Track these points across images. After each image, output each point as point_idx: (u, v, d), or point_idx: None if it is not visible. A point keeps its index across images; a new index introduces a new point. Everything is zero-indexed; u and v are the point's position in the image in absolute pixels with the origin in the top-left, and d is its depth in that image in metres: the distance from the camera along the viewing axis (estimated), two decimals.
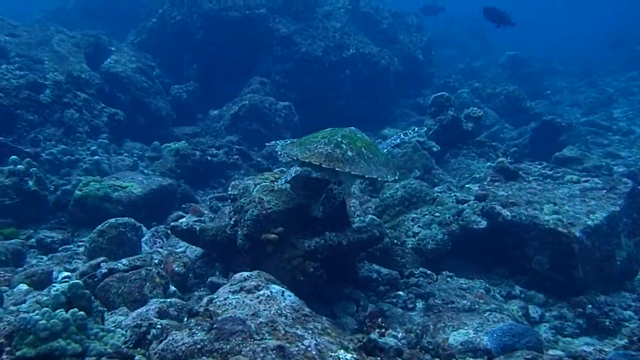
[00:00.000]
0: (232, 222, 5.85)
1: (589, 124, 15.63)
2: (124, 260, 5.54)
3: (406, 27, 19.92)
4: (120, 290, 5.05)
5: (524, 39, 36.28)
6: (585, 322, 5.71)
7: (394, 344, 3.72)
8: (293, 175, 5.52)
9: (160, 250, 6.86)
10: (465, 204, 6.93)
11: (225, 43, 15.54)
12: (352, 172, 5.12)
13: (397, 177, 5.60)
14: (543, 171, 7.51)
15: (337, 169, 5.07)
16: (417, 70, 19.16)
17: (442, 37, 28.61)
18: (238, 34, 15.50)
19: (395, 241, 6.72)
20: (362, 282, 6.01)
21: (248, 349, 3.20)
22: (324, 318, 3.86)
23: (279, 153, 5.82)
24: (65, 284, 3.71)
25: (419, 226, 6.82)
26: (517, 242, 6.41)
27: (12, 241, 6.82)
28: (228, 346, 3.24)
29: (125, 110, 12.14)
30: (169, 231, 7.57)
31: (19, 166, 7.48)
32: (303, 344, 3.34)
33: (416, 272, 6.26)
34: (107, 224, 6.43)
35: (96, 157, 9.10)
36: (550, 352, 4.91)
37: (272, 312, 3.60)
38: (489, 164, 9.47)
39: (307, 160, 5.22)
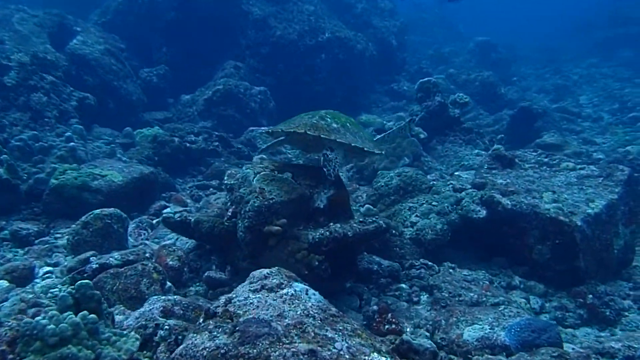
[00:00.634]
0: (229, 213, 5.51)
1: (560, 110, 15.70)
2: (116, 255, 5.17)
3: (379, 11, 19.60)
4: (115, 287, 4.68)
5: (490, 25, 36.56)
6: (586, 312, 5.57)
7: (430, 346, 3.49)
8: (269, 144, 5.57)
9: (147, 242, 6.47)
10: (464, 192, 6.67)
11: (197, 25, 15.00)
12: (337, 139, 5.20)
13: (383, 152, 5.82)
14: (539, 158, 7.38)
15: (322, 136, 5.15)
16: (390, 56, 18.91)
17: (409, 23, 28.45)
18: (211, 16, 15.00)
19: (393, 231, 6.46)
20: (363, 275, 5.75)
21: (277, 353, 2.92)
22: (351, 318, 3.59)
23: (260, 132, 5.79)
24: (77, 283, 3.32)
25: (416, 216, 6.56)
26: (517, 232, 6.23)
27: None
28: (255, 350, 2.95)
29: (94, 94, 11.50)
30: (153, 222, 7.20)
31: None
32: (335, 347, 3.08)
33: (417, 264, 6.03)
34: (91, 215, 6.01)
35: (72, 143, 8.57)
36: (569, 346, 4.73)
37: (298, 312, 3.32)
38: (477, 150, 9.33)
39: (291, 131, 5.28)
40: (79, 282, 3.32)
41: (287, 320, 3.22)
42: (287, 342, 3.04)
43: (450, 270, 5.99)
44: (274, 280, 3.59)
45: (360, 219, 5.36)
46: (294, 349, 2.97)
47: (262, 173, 5.33)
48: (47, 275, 5.55)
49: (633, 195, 6.69)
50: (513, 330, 4.37)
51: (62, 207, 7.17)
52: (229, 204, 5.66)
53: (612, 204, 6.23)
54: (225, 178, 5.70)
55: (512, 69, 23.89)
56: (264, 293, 3.47)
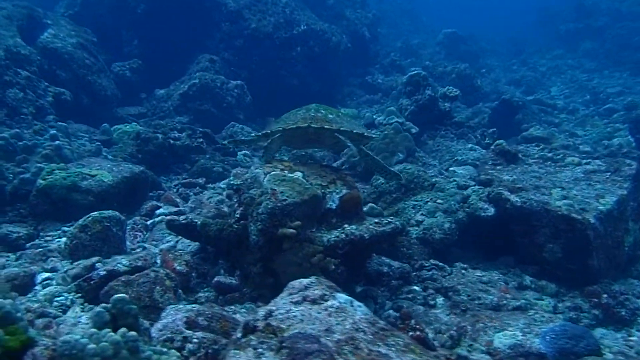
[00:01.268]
0: (237, 215, 5.37)
1: (536, 102, 15.91)
2: (124, 261, 4.99)
3: (351, 2, 19.45)
4: (128, 296, 4.50)
5: (454, 17, 36.85)
6: (601, 312, 5.38)
7: None
8: (268, 144, 5.67)
9: (146, 245, 6.28)
10: (469, 190, 6.61)
11: (170, 17, 14.63)
12: (341, 128, 5.48)
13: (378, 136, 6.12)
14: (542, 153, 7.32)
15: (325, 126, 5.39)
16: (363, 48, 18.82)
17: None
18: (183, 8, 14.65)
19: None
20: (372, 277, 5.60)
21: None
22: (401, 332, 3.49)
23: (256, 135, 6.04)
24: (113, 298, 3.18)
25: (422, 214, 6.46)
26: (526, 230, 6.10)
27: None
28: None
29: (68, 90, 11.17)
30: (148, 223, 7.01)
31: None
32: None
33: (427, 265, 5.89)
34: (89, 218, 5.79)
35: (57, 142, 8.24)
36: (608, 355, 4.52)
37: (347, 326, 3.17)
38: (470, 145, 9.31)
39: (294, 127, 5.47)
40: (115, 296, 3.18)
41: (336, 335, 3.08)
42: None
43: (463, 271, 5.86)
44: (316, 292, 3.45)
45: (375, 220, 5.27)
46: None
47: (272, 173, 5.21)
48: (46, 282, 5.33)
49: None
50: (548, 337, 4.27)
51: (50, 208, 6.91)
52: (235, 205, 5.51)
53: (622, 199, 6.13)
54: (232, 178, 5.55)
55: (480, 61, 24.10)
56: (306, 305, 3.34)
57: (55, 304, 4.75)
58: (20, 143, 7.87)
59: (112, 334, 2.93)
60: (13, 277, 5.03)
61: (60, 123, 9.36)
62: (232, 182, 5.56)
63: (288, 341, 2.98)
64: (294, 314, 3.26)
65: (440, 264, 5.95)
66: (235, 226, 5.30)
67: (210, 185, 8.80)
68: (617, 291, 5.53)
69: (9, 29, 11.51)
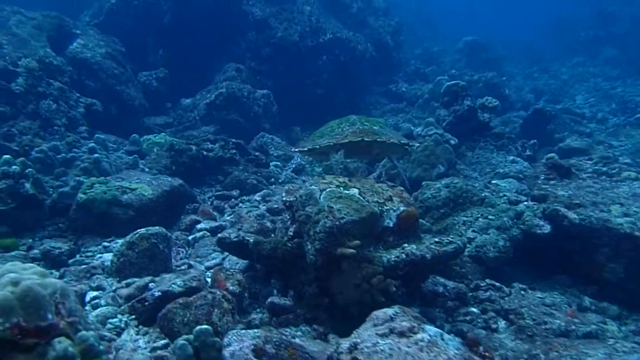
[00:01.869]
0: (290, 233, 5.22)
1: (565, 111, 15.67)
2: (178, 281, 4.85)
3: (374, 10, 19.30)
4: (186, 319, 4.36)
5: (470, 24, 36.66)
6: None
7: None
8: (333, 163, 5.74)
9: (191, 262, 6.14)
10: (522, 205, 6.39)
11: (195, 27, 14.56)
12: (391, 141, 5.53)
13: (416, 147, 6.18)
14: (596, 167, 7.11)
15: (378, 139, 5.44)
16: (387, 56, 18.63)
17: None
18: (209, 17, 14.59)
19: None
20: (427, 298, 5.37)
21: None
22: None
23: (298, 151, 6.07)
24: (196, 329, 3.04)
25: (473, 231, 6.22)
26: (584, 248, 5.84)
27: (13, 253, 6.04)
28: None
29: (97, 100, 11.13)
30: (189, 239, 6.90)
31: (14, 167, 6.57)
32: None
33: (482, 285, 5.63)
34: (136, 235, 5.66)
35: (95, 155, 8.16)
36: None
37: None
38: (511, 157, 9.09)
39: (345, 141, 5.51)
40: (198, 328, 3.05)
41: None
42: None
43: (522, 292, 5.59)
44: (404, 323, 3.28)
45: (435, 239, 5.07)
46: None
47: (328, 190, 5.04)
48: (94, 301, 5.21)
49: None
50: None
51: (90, 222, 6.82)
52: (288, 222, 5.38)
53: None
54: (284, 195, 5.40)
55: (501, 69, 23.87)
56: (394, 338, 3.17)
57: (109, 325, 4.63)
58: (59, 156, 7.80)
59: None
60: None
61: (98, 135, 9.29)
62: (284, 199, 5.39)
63: None
64: (381, 347, 3.11)
65: (497, 284, 5.68)
66: (290, 244, 5.15)
67: (244, 197, 8.69)
68: None
69: (39, 39, 11.50)
